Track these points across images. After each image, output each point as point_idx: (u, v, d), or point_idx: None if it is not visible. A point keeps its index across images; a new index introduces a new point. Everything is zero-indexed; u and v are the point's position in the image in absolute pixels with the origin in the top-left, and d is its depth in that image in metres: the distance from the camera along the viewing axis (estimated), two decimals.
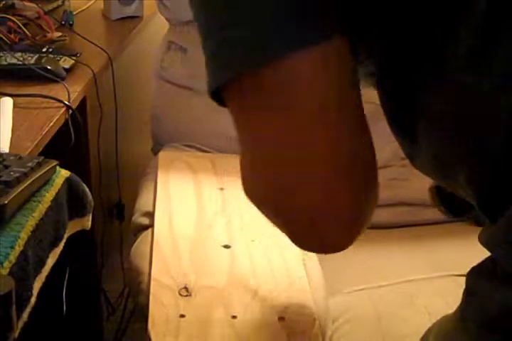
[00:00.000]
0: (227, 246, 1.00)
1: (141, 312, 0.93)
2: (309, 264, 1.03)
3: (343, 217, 0.57)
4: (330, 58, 0.53)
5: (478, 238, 0.57)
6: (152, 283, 0.91)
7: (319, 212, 0.56)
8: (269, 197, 0.56)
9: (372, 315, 1.07)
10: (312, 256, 1.07)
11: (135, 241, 1.14)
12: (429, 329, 0.68)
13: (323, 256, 1.11)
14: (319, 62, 0.52)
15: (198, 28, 0.56)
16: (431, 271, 1.17)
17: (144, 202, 1.21)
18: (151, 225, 1.09)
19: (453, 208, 0.68)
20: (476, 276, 0.58)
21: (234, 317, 0.85)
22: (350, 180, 0.55)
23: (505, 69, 0.52)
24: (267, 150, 0.55)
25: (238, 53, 0.52)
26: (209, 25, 0.55)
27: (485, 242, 0.56)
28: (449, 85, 0.55)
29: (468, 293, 0.58)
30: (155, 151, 1.43)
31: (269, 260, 0.98)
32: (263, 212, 0.59)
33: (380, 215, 1.38)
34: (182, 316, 0.84)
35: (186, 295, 0.88)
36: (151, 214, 1.13)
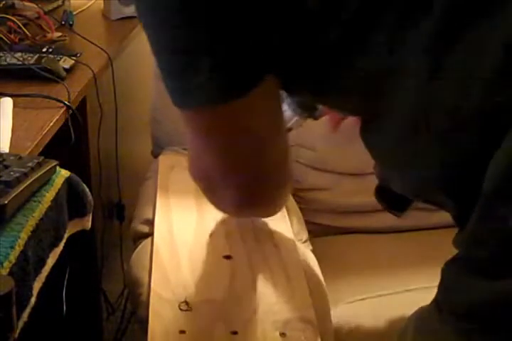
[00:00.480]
0: (227, 257, 0.99)
1: (141, 325, 0.91)
2: (311, 275, 1.02)
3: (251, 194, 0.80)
4: (258, 99, 0.66)
5: (453, 242, 0.62)
6: (152, 296, 0.89)
7: (237, 192, 0.78)
8: (205, 179, 0.80)
9: (375, 325, 1.07)
10: (314, 265, 1.07)
11: (135, 248, 1.13)
12: (409, 319, 0.70)
13: (323, 263, 1.10)
14: (252, 103, 0.66)
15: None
16: (432, 280, 1.15)
17: (143, 209, 1.20)
18: (151, 233, 1.08)
19: (395, 205, 0.79)
20: (452, 269, 0.61)
21: (234, 332, 0.84)
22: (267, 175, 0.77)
23: (461, 72, 0.55)
24: (210, 154, 0.74)
25: (188, 97, 0.67)
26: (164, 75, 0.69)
27: (459, 246, 0.61)
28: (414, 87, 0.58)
29: (444, 285, 0.62)
30: (155, 154, 1.42)
31: (270, 271, 0.97)
32: (199, 186, 0.83)
33: (383, 219, 1.39)
34: (182, 332, 0.83)
35: (186, 310, 0.87)
36: (150, 222, 1.11)
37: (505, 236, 0.54)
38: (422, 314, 0.67)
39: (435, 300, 0.63)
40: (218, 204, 0.89)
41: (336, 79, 0.63)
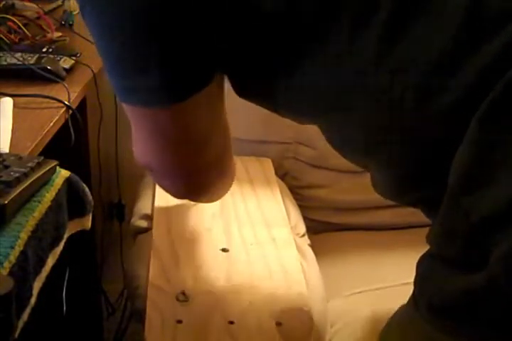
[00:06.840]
0: (225, 250, 1.00)
1: (139, 316, 0.92)
2: (308, 268, 1.03)
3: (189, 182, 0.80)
4: (204, 99, 0.67)
5: (426, 239, 0.63)
6: (149, 287, 0.90)
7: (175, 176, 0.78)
8: (148, 167, 0.78)
9: (371, 318, 1.07)
10: (311, 259, 1.07)
11: (133, 243, 1.14)
12: (392, 316, 0.72)
13: (322, 258, 1.11)
14: (198, 103, 0.67)
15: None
16: None
17: (142, 205, 1.21)
18: (150, 228, 1.09)
19: None
20: (425, 263, 0.62)
21: (231, 322, 0.85)
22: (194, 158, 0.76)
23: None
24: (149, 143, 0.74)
25: (141, 97, 0.66)
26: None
27: (431, 241, 0.63)
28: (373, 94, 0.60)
29: (419, 278, 0.63)
30: None
31: (267, 264, 0.97)
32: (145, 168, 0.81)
33: (381, 216, 1.39)
34: (179, 322, 0.84)
35: (184, 301, 0.88)
36: (149, 217, 1.12)
37: (468, 232, 0.55)
38: (403, 309, 0.69)
39: (412, 294, 0.64)
40: (164, 189, 0.89)
41: (295, 84, 0.64)
